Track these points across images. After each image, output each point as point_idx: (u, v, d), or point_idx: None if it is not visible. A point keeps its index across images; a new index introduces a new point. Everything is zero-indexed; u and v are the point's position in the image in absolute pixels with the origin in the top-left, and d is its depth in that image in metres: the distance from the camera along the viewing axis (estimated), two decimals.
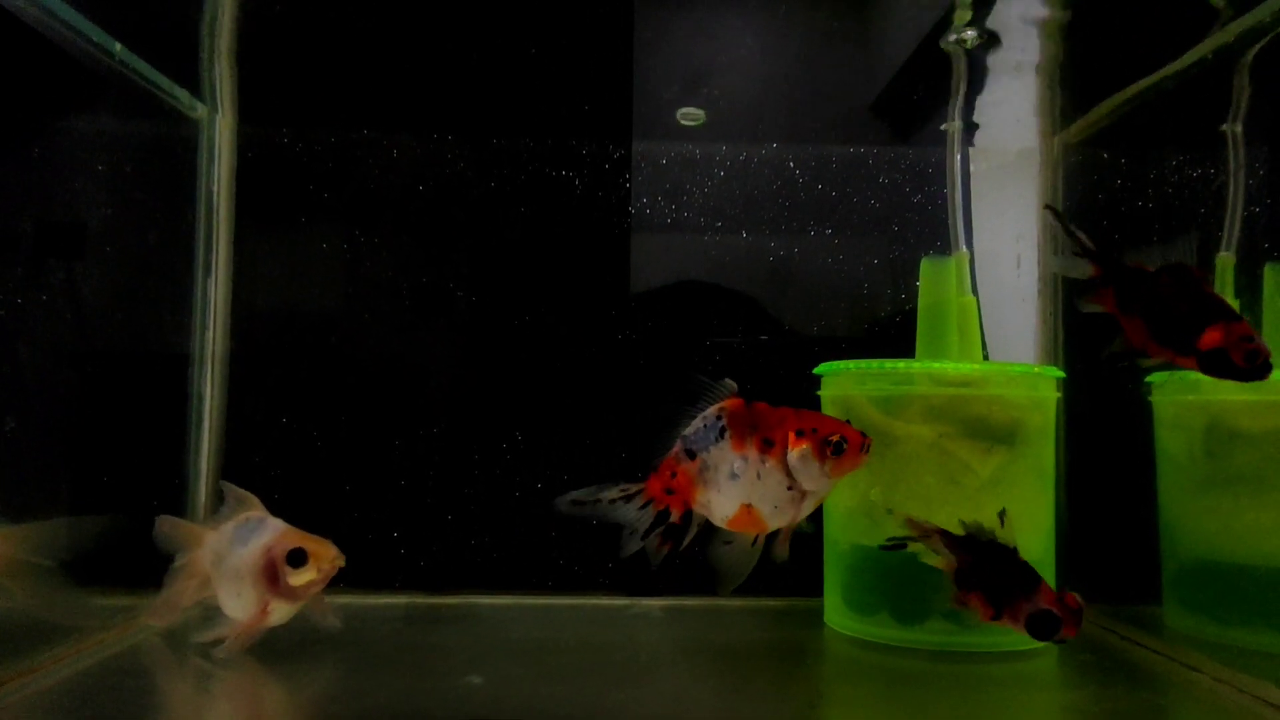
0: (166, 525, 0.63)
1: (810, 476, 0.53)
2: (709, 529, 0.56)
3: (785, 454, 0.53)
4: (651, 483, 0.56)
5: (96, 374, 0.77)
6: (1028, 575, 0.57)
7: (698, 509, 0.56)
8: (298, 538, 0.59)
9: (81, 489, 0.75)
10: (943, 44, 0.72)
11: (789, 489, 0.53)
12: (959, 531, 0.61)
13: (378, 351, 0.88)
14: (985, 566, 0.58)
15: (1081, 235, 0.59)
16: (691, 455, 0.55)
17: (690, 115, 0.89)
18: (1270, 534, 0.66)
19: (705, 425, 0.55)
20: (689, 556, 0.57)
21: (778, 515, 0.54)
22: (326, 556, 0.59)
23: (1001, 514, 0.59)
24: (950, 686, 0.61)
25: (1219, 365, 0.51)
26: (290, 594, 0.59)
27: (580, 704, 0.55)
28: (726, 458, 0.54)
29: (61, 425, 0.74)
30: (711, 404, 0.55)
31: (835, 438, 0.52)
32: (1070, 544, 0.79)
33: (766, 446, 0.53)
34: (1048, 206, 0.62)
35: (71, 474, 0.75)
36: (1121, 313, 0.56)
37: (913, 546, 0.62)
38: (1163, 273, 0.55)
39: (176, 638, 0.68)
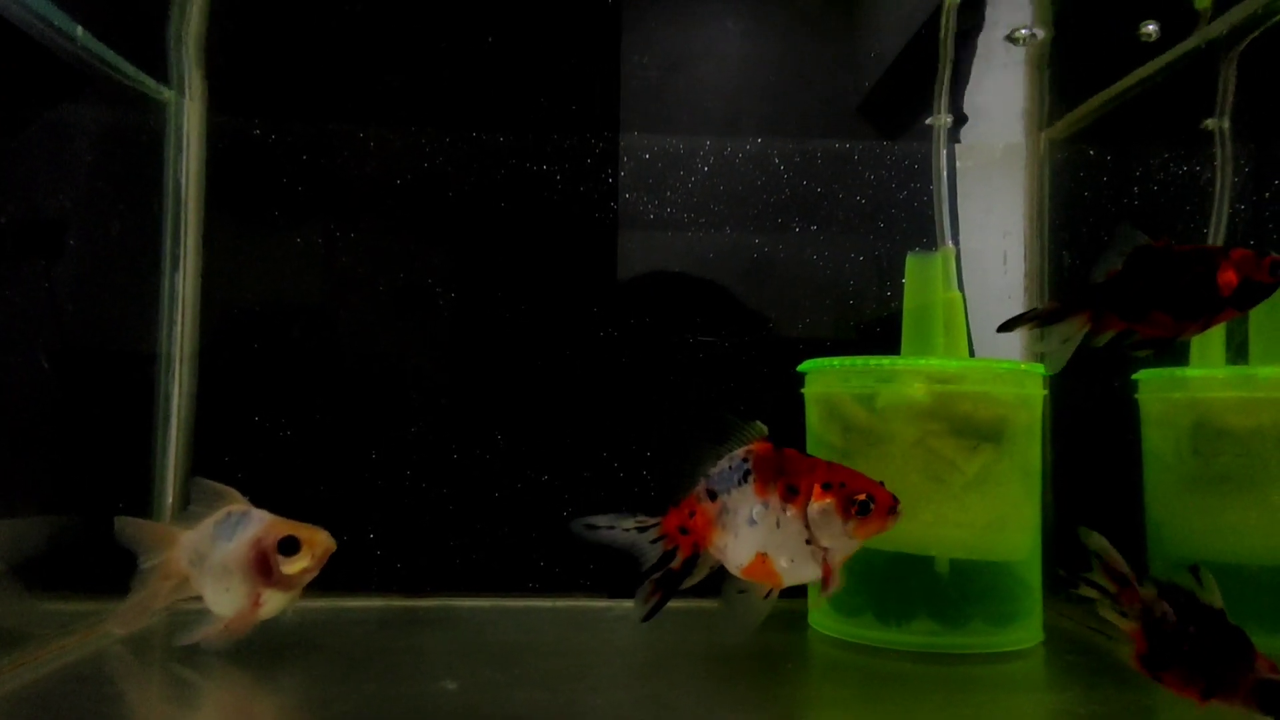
0: (129, 527, 0.61)
1: (830, 533, 0.50)
2: (725, 571, 0.54)
3: (807, 505, 0.50)
4: (669, 518, 0.54)
5: (58, 371, 0.74)
6: (1241, 642, 0.47)
7: (713, 552, 0.54)
8: (287, 526, 0.58)
9: (41, 489, 0.73)
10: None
11: (808, 543, 0.50)
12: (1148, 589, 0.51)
13: (353, 349, 0.86)
14: (1187, 633, 0.48)
15: (1045, 307, 0.58)
16: (713, 496, 0.53)
17: None
18: (1258, 532, 0.65)
19: (730, 466, 0.53)
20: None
21: (794, 570, 0.51)
22: (319, 542, 0.58)
23: (1196, 569, 0.50)
24: (935, 688, 0.60)
25: (1253, 294, 0.51)
26: (285, 583, 0.58)
27: (557, 709, 0.54)
28: (747, 502, 0.52)
29: (19, 423, 0.71)
30: (740, 445, 0.53)
31: (862, 496, 0.49)
32: (1057, 543, 0.78)
33: (790, 495, 0.51)
34: (998, 329, 0.60)
35: (30, 473, 0.72)
36: (1133, 322, 0.55)
37: (1085, 590, 0.53)
38: (1134, 262, 0.54)
39: (139, 644, 0.66)
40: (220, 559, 0.59)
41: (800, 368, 0.75)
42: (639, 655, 0.65)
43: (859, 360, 0.69)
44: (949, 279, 0.75)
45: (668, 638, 0.70)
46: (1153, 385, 0.74)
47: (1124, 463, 0.75)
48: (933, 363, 0.69)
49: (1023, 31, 0.69)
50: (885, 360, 0.69)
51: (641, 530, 0.54)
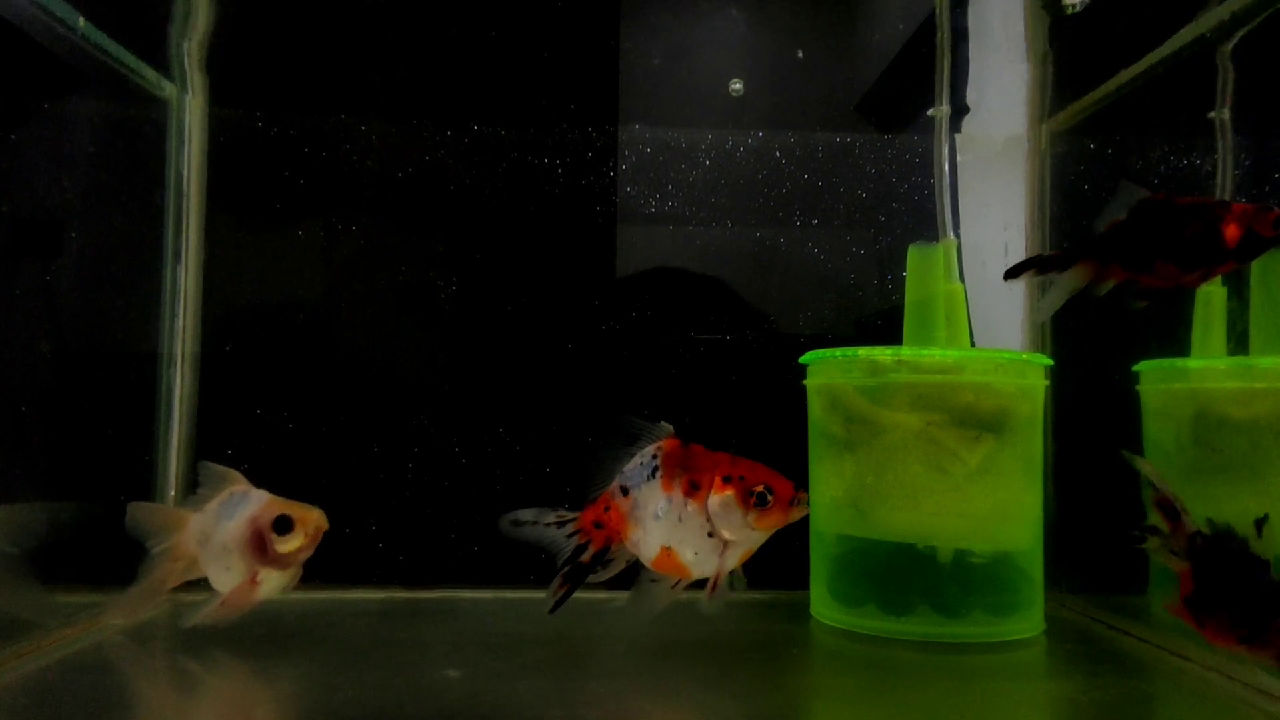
0: (141, 512, 0.61)
1: (731, 525, 0.52)
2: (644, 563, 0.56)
3: (708, 498, 0.52)
4: (585, 513, 0.57)
5: (60, 365, 0.74)
6: None
7: (629, 546, 0.56)
8: (282, 505, 0.59)
9: (44, 483, 0.73)
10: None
11: (710, 536, 0.53)
12: (1201, 529, 0.50)
13: (355, 342, 0.86)
14: (1233, 581, 0.48)
15: (1050, 253, 0.58)
16: (625, 492, 0.56)
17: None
18: None
19: (641, 463, 0.56)
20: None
21: (699, 563, 0.54)
22: (312, 521, 0.59)
23: (1262, 520, 0.49)
24: (938, 677, 0.60)
25: (1255, 247, 0.52)
26: (280, 561, 0.58)
27: (560, 696, 0.54)
28: (654, 497, 0.54)
29: (22, 417, 0.71)
30: (651, 443, 0.56)
31: (759, 488, 0.52)
32: (1058, 533, 0.78)
33: (692, 489, 0.53)
34: (1004, 275, 0.61)
35: (33, 467, 0.72)
36: (1136, 272, 0.55)
37: (1152, 545, 0.52)
38: (1138, 213, 0.55)
39: (142, 635, 0.66)
40: (221, 539, 0.60)
41: (802, 359, 0.75)
42: (641, 645, 0.65)
43: (861, 351, 0.69)
44: (950, 271, 0.75)
45: (668, 629, 0.70)
46: (1154, 376, 0.74)
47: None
48: (935, 353, 0.69)
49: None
50: (888, 351, 0.69)
51: (560, 525, 0.57)
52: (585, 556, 0.56)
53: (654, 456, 0.55)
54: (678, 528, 0.53)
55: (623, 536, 0.56)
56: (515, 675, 0.57)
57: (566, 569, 0.56)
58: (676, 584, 0.56)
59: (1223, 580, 0.49)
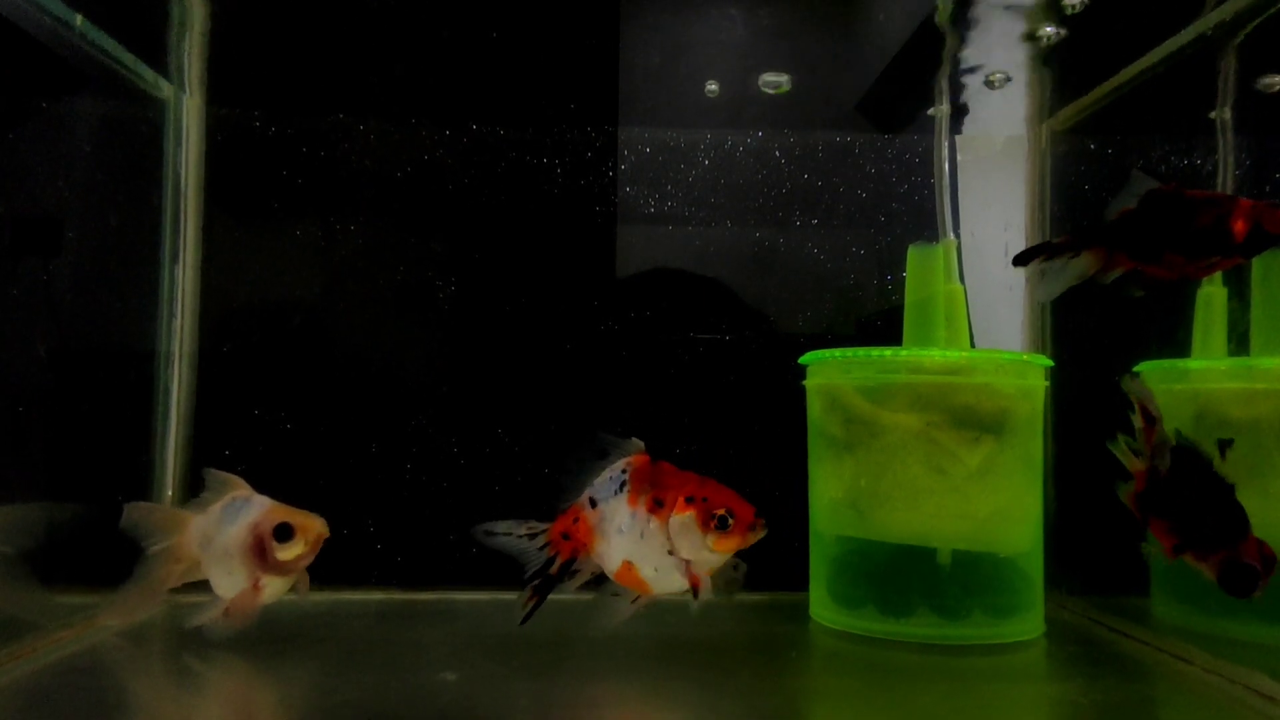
0: (139, 512, 0.61)
1: (690, 545, 0.53)
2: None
3: (670, 518, 0.53)
4: (555, 525, 0.58)
5: (57, 365, 0.74)
6: (1237, 518, 0.49)
7: (595, 558, 0.57)
8: (284, 513, 0.60)
9: (41, 483, 0.73)
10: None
11: (670, 554, 0.54)
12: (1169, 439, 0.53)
13: (353, 343, 0.86)
14: (1187, 492, 0.51)
15: (1058, 240, 0.58)
16: (594, 504, 0.57)
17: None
18: (1259, 522, 0.65)
19: (611, 477, 0.57)
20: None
21: (660, 579, 0.55)
22: (313, 529, 0.60)
23: (1223, 444, 0.52)
24: (938, 679, 0.59)
25: (1261, 243, 0.52)
26: (280, 568, 0.59)
27: (557, 699, 0.54)
28: (620, 511, 0.55)
29: (19, 417, 0.71)
30: (622, 458, 0.57)
31: (721, 511, 0.52)
32: (1059, 535, 0.78)
33: (656, 507, 0.54)
34: (1013, 261, 0.61)
35: (30, 467, 0.72)
36: (1143, 262, 0.55)
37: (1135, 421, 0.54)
38: (1148, 204, 0.55)
39: (138, 636, 0.66)
40: (223, 543, 0.60)
41: (802, 359, 0.75)
42: (639, 647, 0.65)
43: (860, 351, 0.69)
44: (950, 271, 0.75)
45: (667, 630, 0.69)
46: (1154, 376, 0.73)
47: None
48: (935, 354, 0.69)
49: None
50: (887, 351, 0.69)
51: (531, 536, 0.58)
52: (553, 569, 0.57)
53: (624, 471, 0.56)
54: (639, 544, 0.54)
55: (589, 548, 0.57)
56: (512, 677, 0.57)
57: (536, 581, 0.57)
58: (636, 599, 0.57)
59: (1177, 487, 0.51)
